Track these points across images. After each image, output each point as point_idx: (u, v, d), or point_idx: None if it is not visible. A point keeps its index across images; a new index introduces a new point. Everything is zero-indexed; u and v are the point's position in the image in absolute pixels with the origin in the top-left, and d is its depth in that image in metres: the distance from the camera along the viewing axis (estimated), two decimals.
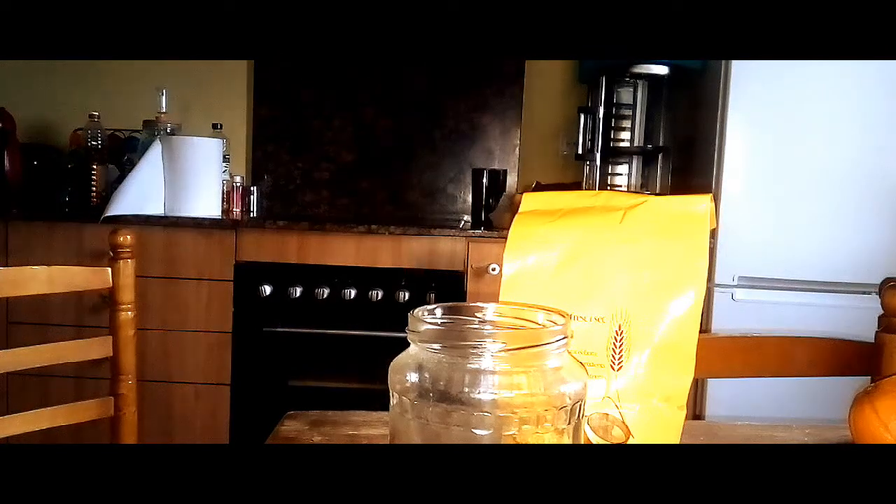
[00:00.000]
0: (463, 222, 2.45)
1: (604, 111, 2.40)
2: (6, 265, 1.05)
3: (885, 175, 1.95)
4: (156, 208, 2.15)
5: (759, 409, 1.72)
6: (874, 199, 1.95)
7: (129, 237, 1.09)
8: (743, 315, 1.98)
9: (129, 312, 1.10)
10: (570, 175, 2.62)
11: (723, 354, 0.96)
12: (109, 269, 1.08)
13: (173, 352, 2.11)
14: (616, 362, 0.54)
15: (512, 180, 2.58)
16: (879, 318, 0.93)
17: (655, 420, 0.53)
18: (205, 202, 2.18)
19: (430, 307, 0.45)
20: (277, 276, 2.09)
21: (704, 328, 1.96)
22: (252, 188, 2.53)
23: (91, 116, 2.33)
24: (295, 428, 0.68)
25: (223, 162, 2.33)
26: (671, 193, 0.56)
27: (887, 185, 1.94)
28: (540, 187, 2.51)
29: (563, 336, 0.42)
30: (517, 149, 2.64)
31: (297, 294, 2.07)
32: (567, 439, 0.42)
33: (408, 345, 0.44)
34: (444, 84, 2.59)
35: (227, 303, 2.10)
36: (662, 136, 2.50)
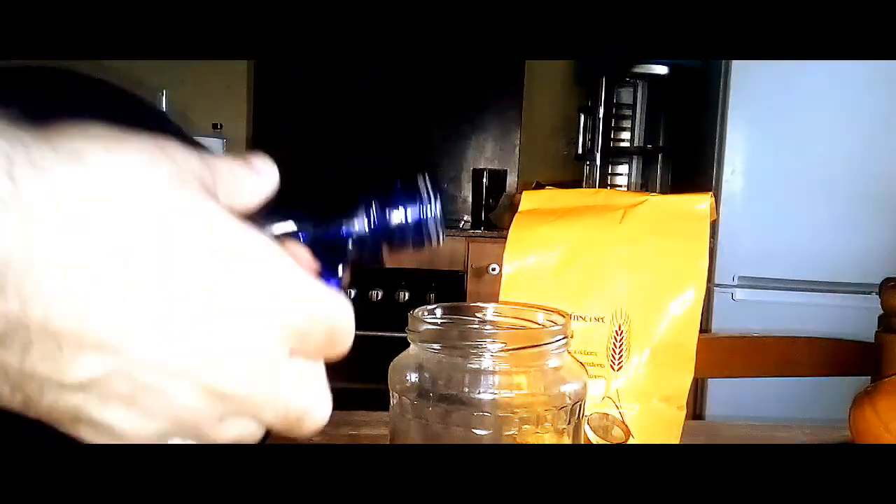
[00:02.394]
0: (463, 222, 2.45)
1: (604, 111, 2.40)
2: None
3: (886, 175, 1.95)
4: None
5: (759, 409, 1.72)
6: (874, 199, 1.95)
7: None
8: (743, 315, 1.98)
9: None
10: (570, 175, 2.62)
11: (723, 354, 0.96)
12: None
13: None
14: (616, 362, 0.54)
15: (512, 180, 2.58)
16: (879, 318, 0.93)
17: (655, 420, 0.53)
18: None
19: (430, 307, 0.45)
20: None
21: (704, 328, 1.96)
22: None
23: None
24: None
25: None
26: (671, 193, 0.56)
27: (887, 186, 1.94)
28: (540, 187, 2.51)
29: (563, 336, 0.42)
30: (517, 149, 2.64)
31: None
32: (567, 439, 0.42)
33: (408, 345, 0.44)
34: (444, 84, 2.59)
35: None
36: (662, 136, 2.50)
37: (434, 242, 0.35)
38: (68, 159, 0.21)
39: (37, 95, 0.29)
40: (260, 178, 0.29)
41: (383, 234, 0.34)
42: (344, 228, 0.33)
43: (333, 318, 0.27)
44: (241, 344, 0.24)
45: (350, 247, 0.33)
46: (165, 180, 0.23)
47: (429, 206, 0.34)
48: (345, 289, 0.31)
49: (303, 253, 0.31)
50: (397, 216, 0.34)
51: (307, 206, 0.32)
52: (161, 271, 0.22)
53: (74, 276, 0.21)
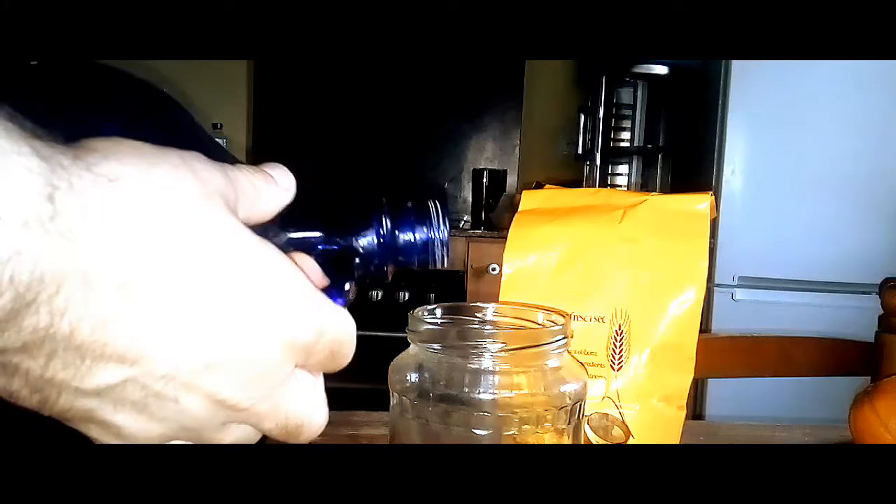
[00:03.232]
0: (463, 222, 2.45)
1: (604, 111, 2.40)
2: None
3: (886, 175, 1.95)
4: None
5: (759, 409, 1.72)
6: (874, 199, 1.95)
7: None
8: (743, 315, 1.98)
9: None
10: (570, 175, 2.62)
11: (723, 354, 0.96)
12: None
13: None
14: (616, 362, 0.54)
15: (512, 180, 2.58)
16: (879, 318, 0.93)
17: (655, 420, 0.53)
18: None
19: (430, 307, 0.45)
20: None
21: (704, 328, 1.96)
22: None
23: None
24: None
25: None
26: (671, 193, 0.57)
27: (887, 185, 1.94)
28: (540, 187, 2.51)
29: (563, 336, 0.42)
30: (517, 149, 2.64)
31: None
32: (567, 439, 0.42)
33: (408, 345, 0.44)
34: (444, 84, 2.60)
35: None
36: (662, 136, 2.50)
37: (438, 265, 0.36)
38: (104, 182, 0.22)
39: (76, 89, 0.29)
40: (278, 189, 0.30)
41: (391, 253, 0.35)
42: (355, 245, 0.33)
43: (338, 335, 0.28)
44: (251, 359, 0.25)
45: (358, 262, 0.33)
46: (191, 201, 0.24)
47: (437, 229, 0.35)
48: (349, 303, 0.31)
49: (313, 267, 0.32)
50: (406, 237, 0.35)
51: (320, 220, 0.33)
52: (182, 288, 0.24)
53: (103, 293, 0.22)
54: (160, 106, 0.32)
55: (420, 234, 0.35)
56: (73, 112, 0.28)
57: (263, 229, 0.28)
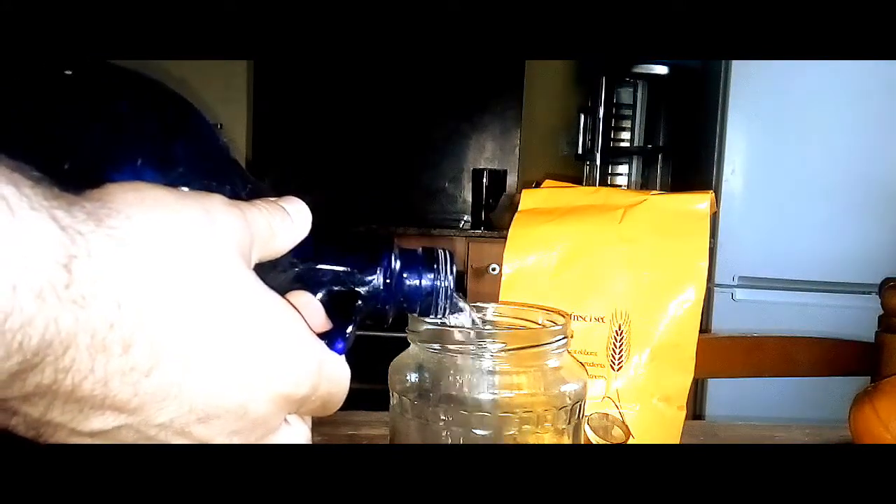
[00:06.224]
0: (463, 222, 2.45)
1: (604, 111, 2.40)
2: None
3: (886, 175, 1.94)
4: None
5: (759, 409, 1.72)
6: (874, 199, 1.95)
7: None
8: (743, 315, 1.97)
9: None
10: (571, 175, 2.62)
11: (723, 354, 0.96)
12: None
13: None
14: (616, 362, 0.54)
15: (512, 180, 2.58)
16: (879, 318, 0.93)
17: (655, 420, 0.53)
18: None
19: None
20: None
21: (704, 328, 1.96)
22: None
23: None
24: None
25: None
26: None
27: (887, 186, 1.94)
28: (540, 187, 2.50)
29: (563, 336, 0.42)
30: (517, 149, 2.64)
31: None
32: (567, 439, 0.42)
33: (408, 345, 0.44)
34: (444, 84, 2.59)
35: None
36: (662, 136, 2.50)
37: (439, 315, 0.36)
38: (122, 246, 0.23)
39: (109, 102, 0.29)
40: (293, 227, 0.30)
41: (395, 296, 0.35)
42: (362, 284, 0.33)
43: (332, 387, 0.29)
44: (245, 412, 0.26)
45: (362, 304, 0.33)
46: (203, 259, 0.25)
47: (444, 279, 0.35)
48: (350, 346, 0.31)
49: (318, 309, 0.33)
50: (413, 282, 0.35)
51: (331, 256, 0.33)
52: (185, 346, 0.24)
53: (109, 353, 0.22)
54: (189, 125, 0.32)
55: (426, 281, 0.35)
56: (105, 127, 0.29)
57: (273, 263, 0.29)
